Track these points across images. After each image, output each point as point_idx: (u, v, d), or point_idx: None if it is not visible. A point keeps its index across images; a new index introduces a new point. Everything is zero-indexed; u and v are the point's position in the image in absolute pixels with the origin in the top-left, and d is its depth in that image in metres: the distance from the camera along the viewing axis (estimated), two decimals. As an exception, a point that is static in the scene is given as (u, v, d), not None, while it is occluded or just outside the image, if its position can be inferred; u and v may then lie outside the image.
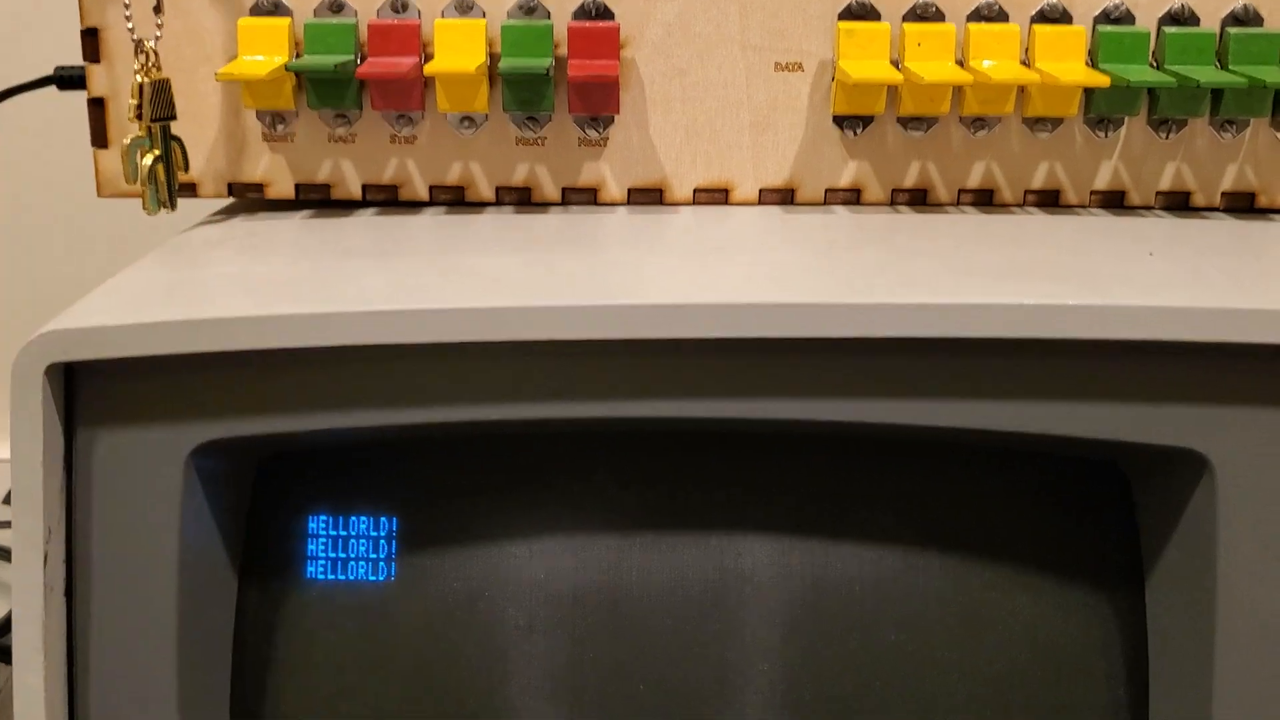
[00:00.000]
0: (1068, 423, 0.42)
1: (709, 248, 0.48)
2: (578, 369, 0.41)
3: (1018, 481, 0.46)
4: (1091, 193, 0.55)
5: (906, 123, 0.53)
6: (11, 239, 0.86)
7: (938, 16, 0.52)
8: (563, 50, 0.52)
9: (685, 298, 0.40)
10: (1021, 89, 0.52)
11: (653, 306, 0.40)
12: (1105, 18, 0.52)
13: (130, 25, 0.52)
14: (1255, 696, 0.42)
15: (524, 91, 0.51)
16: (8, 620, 0.60)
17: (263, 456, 0.45)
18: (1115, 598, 0.46)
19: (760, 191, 0.54)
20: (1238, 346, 0.40)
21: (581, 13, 0.52)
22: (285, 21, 0.52)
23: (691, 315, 0.40)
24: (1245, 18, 0.52)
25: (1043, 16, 0.52)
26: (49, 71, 0.58)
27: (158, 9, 0.52)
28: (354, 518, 0.46)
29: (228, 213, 0.57)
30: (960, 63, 0.52)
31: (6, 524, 0.71)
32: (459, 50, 0.51)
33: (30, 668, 0.41)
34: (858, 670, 0.45)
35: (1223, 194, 0.55)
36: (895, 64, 0.52)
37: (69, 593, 0.42)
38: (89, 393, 0.41)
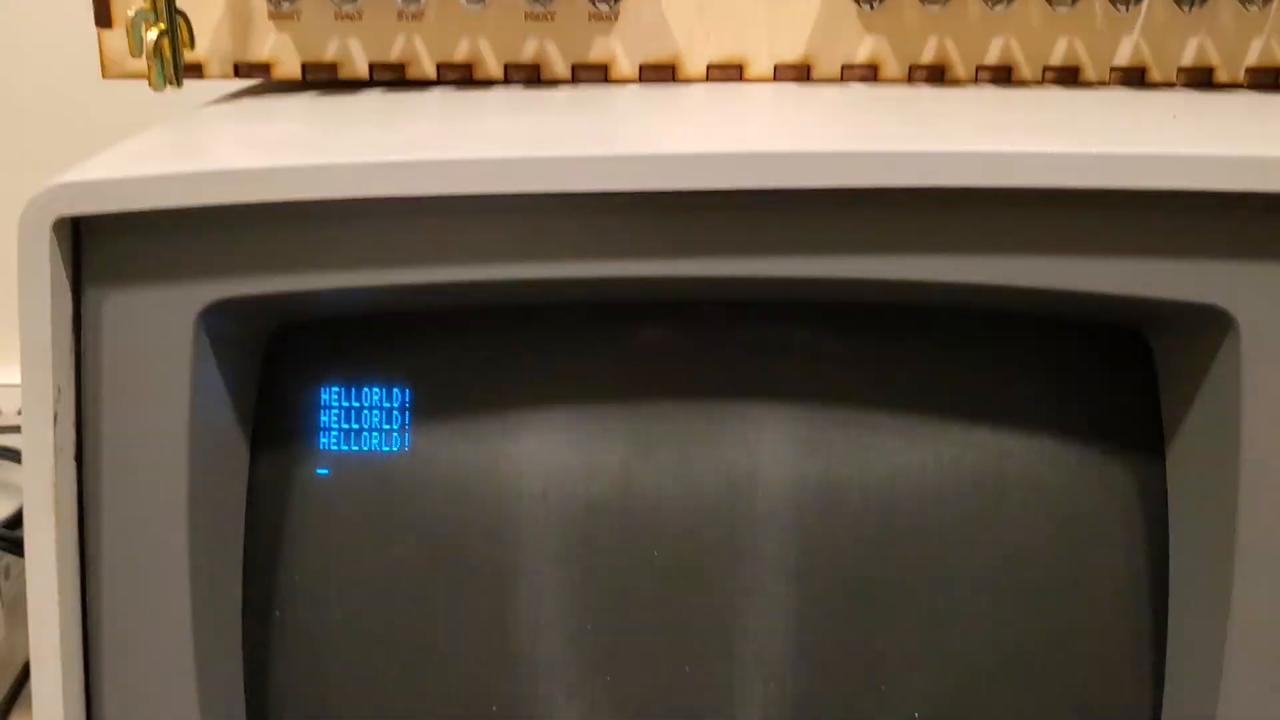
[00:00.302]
0: (1091, 278, 0.41)
1: (722, 114, 0.47)
2: (588, 224, 0.40)
3: (1040, 350, 0.45)
4: (1112, 69, 0.54)
5: (924, -4, 0.52)
6: (13, 126, 0.85)
7: (957, -116, 0.51)
8: (573, -80, 0.51)
9: (698, 148, 0.39)
10: (1042, -41, 0.51)
11: (667, 156, 0.39)
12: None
13: (132, -104, 0.51)
14: (1276, 558, 0.42)
15: (534, -38, 0.50)
16: (18, 516, 0.60)
17: (274, 327, 0.44)
18: (1136, 467, 0.45)
19: (775, 67, 0.53)
20: (1265, 197, 0.40)
21: (592, -118, 0.51)
22: (290, -108, 0.51)
23: (705, 165, 0.39)
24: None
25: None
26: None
27: (160, -120, 0.51)
28: (367, 389, 0.45)
29: (235, 95, 0.56)
30: (980, -68, 0.51)
31: (16, 429, 0.71)
32: (468, -80, 0.50)
33: (41, 527, 0.41)
34: (875, 540, 0.45)
35: (1247, 69, 0.54)
36: (913, -66, 0.51)
37: (79, 457, 0.42)
38: (97, 250, 0.41)
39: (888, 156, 0.39)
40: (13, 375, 0.80)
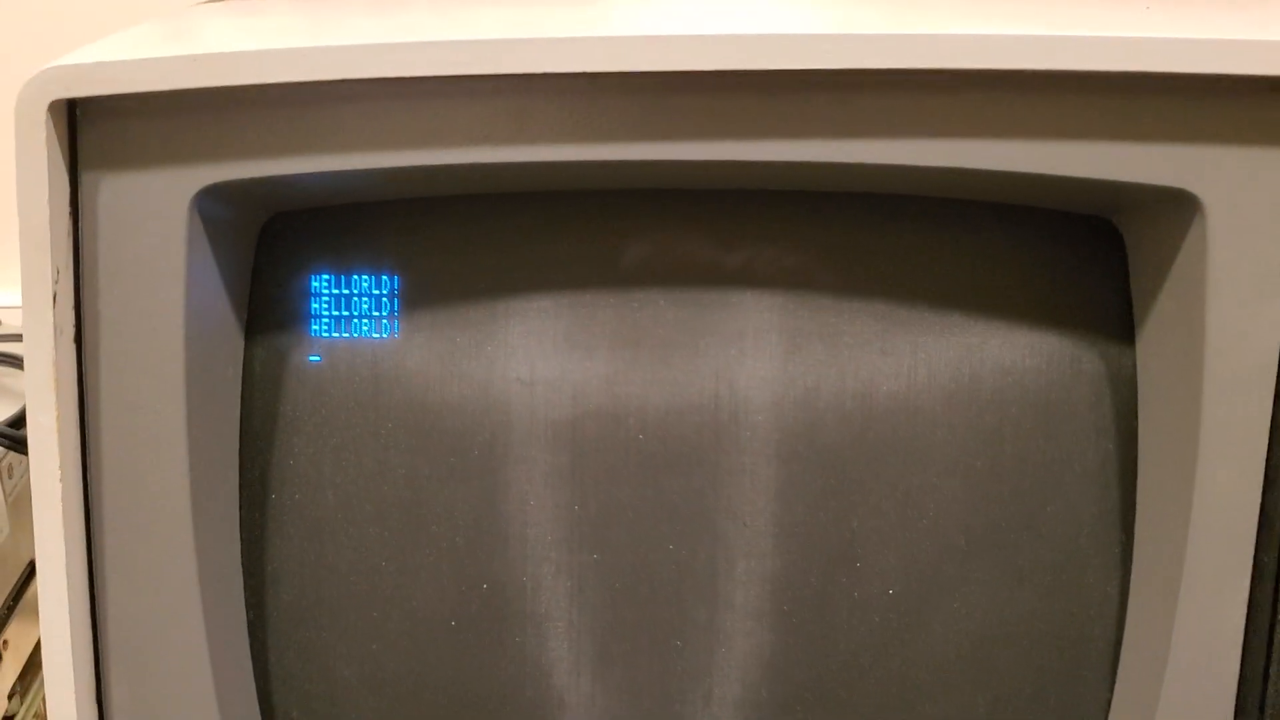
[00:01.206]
0: (1062, 162, 0.42)
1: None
2: (572, 106, 0.41)
3: (1015, 239, 0.46)
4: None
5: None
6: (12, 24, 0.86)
7: None
8: None
9: (677, 30, 0.40)
10: None
11: (649, 38, 0.40)
12: None
13: None
14: (1240, 437, 0.43)
15: None
16: (21, 417, 0.61)
17: (267, 213, 0.46)
18: (1107, 352, 0.46)
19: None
20: (1228, 79, 0.41)
21: None
22: None
23: (683, 46, 0.40)
24: None
25: None
26: None
27: None
28: (356, 276, 0.47)
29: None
30: None
31: (17, 337, 0.72)
32: None
33: (43, 407, 0.42)
34: (853, 425, 0.46)
35: (1224, -29, 0.54)
36: None
37: (78, 340, 0.43)
38: (93, 133, 0.42)
39: (861, 39, 0.40)
40: (14, 297, 0.82)
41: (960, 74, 0.41)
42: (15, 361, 0.67)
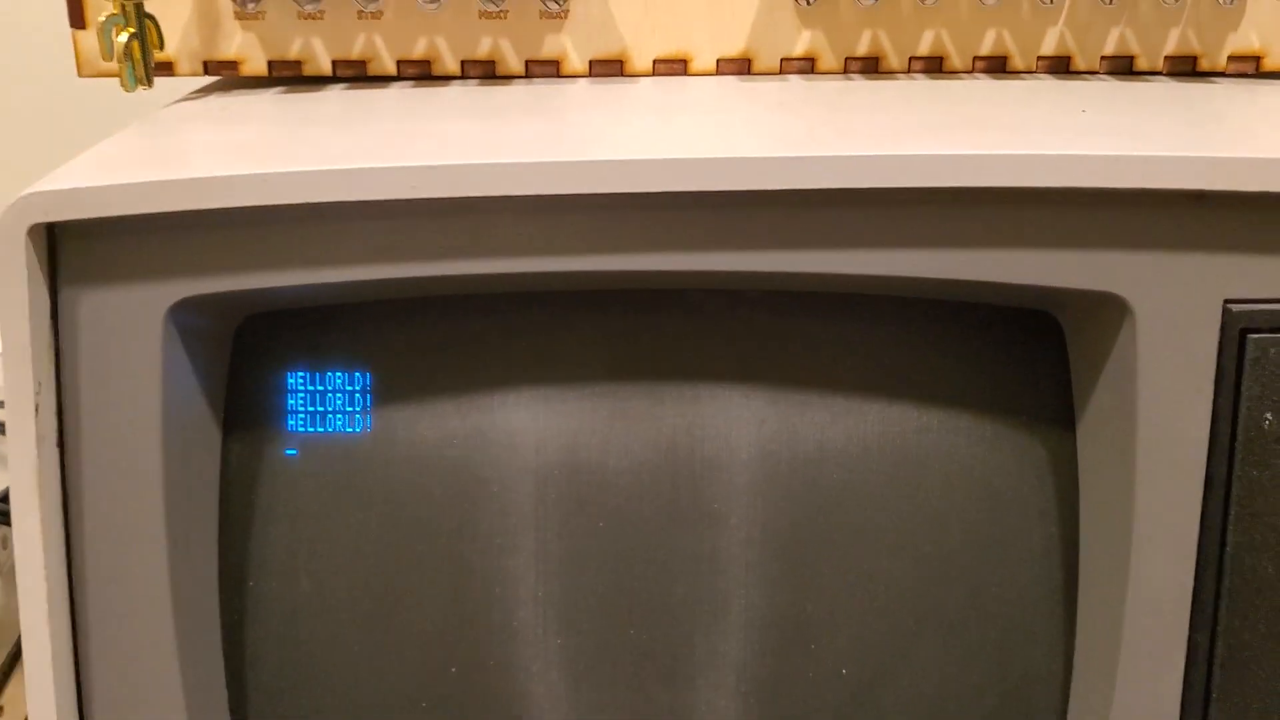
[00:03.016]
0: (1000, 269, 0.44)
1: (662, 111, 0.50)
2: (533, 223, 0.43)
3: (961, 332, 0.48)
4: (1039, 58, 0.56)
5: (858, -9, 0.55)
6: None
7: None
8: (522, -76, 0.54)
9: (631, 154, 0.42)
10: (968, -44, 0.54)
11: (604, 162, 0.42)
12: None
13: (100, -95, 0.53)
14: (1171, 523, 0.45)
15: (484, -35, 0.53)
16: (10, 489, 0.63)
17: (241, 316, 0.47)
18: (1049, 440, 0.48)
19: (718, 62, 0.56)
20: (1153, 193, 0.43)
21: (539, -114, 0.54)
22: (251, -101, 0.54)
23: (637, 170, 0.42)
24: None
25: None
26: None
27: (126, -111, 0.54)
28: (330, 373, 0.49)
29: (204, 91, 0.59)
30: (909, -69, 0.54)
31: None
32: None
33: (27, 512, 0.44)
34: (805, 509, 0.48)
35: (1166, 58, 0.56)
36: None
37: (61, 444, 0.45)
38: (71, 252, 0.44)
39: (807, 161, 0.42)
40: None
41: (901, 191, 0.43)
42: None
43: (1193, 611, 0.46)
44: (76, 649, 0.46)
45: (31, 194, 0.42)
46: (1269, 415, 0.44)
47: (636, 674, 0.49)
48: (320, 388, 0.49)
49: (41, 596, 0.45)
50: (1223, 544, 0.46)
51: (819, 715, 0.49)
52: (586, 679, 0.49)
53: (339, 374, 0.49)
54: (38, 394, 0.44)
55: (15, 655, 0.66)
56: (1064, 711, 0.49)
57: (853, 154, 0.42)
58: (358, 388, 0.49)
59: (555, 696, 0.49)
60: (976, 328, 0.48)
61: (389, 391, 0.49)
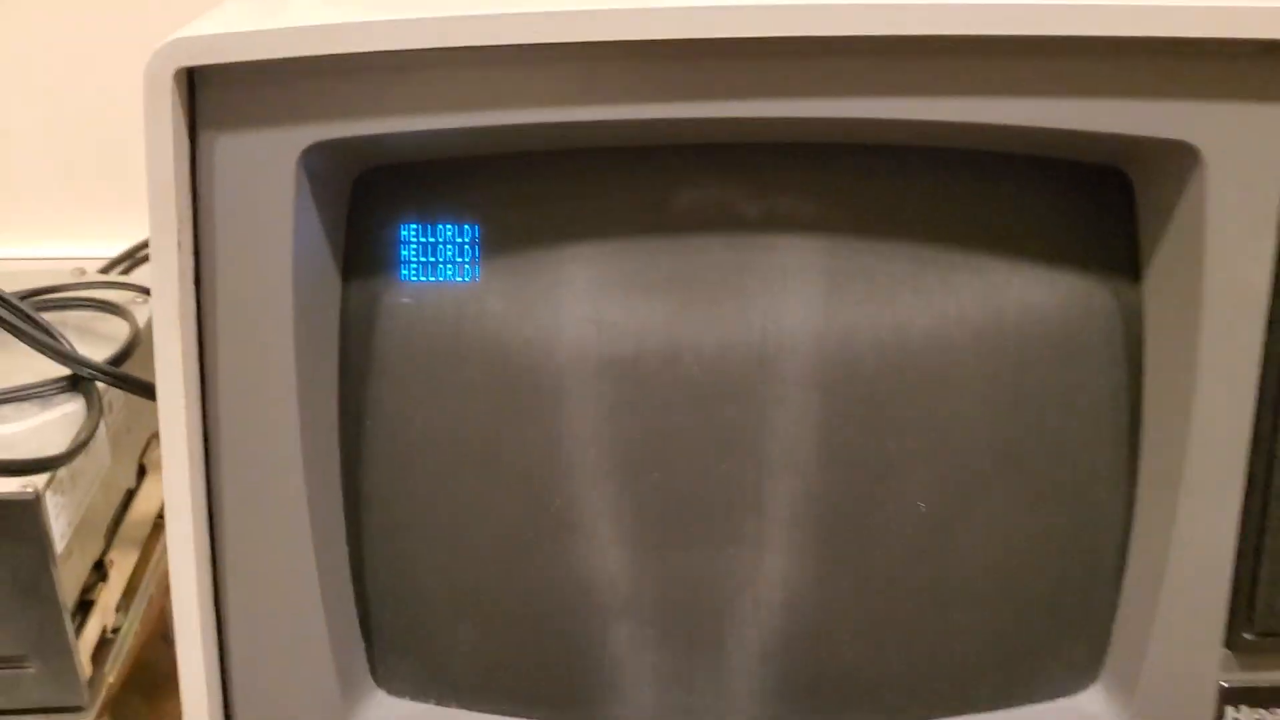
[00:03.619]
0: (1077, 117, 0.47)
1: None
2: (626, 70, 0.46)
3: (1036, 188, 0.51)
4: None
5: None
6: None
7: None
8: None
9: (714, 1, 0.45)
10: None
11: (689, 8, 0.45)
12: None
13: None
14: (1234, 363, 0.48)
15: None
16: (119, 355, 0.67)
17: (360, 167, 0.51)
18: (1119, 293, 0.51)
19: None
20: (1224, 42, 0.45)
21: None
22: None
23: (715, 15, 0.45)
24: None
25: None
26: None
27: None
28: (440, 225, 0.52)
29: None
30: None
31: (106, 284, 0.78)
32: None
33: (169, 339, 0.48)
34: (889, 356, 0.51)
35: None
36: None
37: (197, 280, 0.49)
38: (210, 98, 0.47)
39: (895, 7, 0.45)
40: (96, 249, 0.87)
41: (987, 39, 0.45)
42: (108, 307, 0.72)
43: (1251, 446, 0.49)
44: (209, 475, 0.50)
45: (176, 39, 0.45)
46: (1329, 258, 0.47)
47: (725, 506, 0.52)
48: (431, 239, 0.52)
49: (181, 417, 0.48)
50: (1282, 383, 0.49)
51: (896, 546, 0.52)
52: (678, 511, 0.52)
53: (448, 226, 0.52)
54: (179, 231, 0.47)
55: (117, 519, 0.70)
56: (1125, 546, 0.52)
57: (940, 1, 0.45)
58: (466, 239, 0.52)
59: (650, 527, 0.52)
60: (1050, 185, 0.51)
61: (495, 242, 0.52)
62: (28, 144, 0.95)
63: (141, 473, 0.74)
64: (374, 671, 0.54)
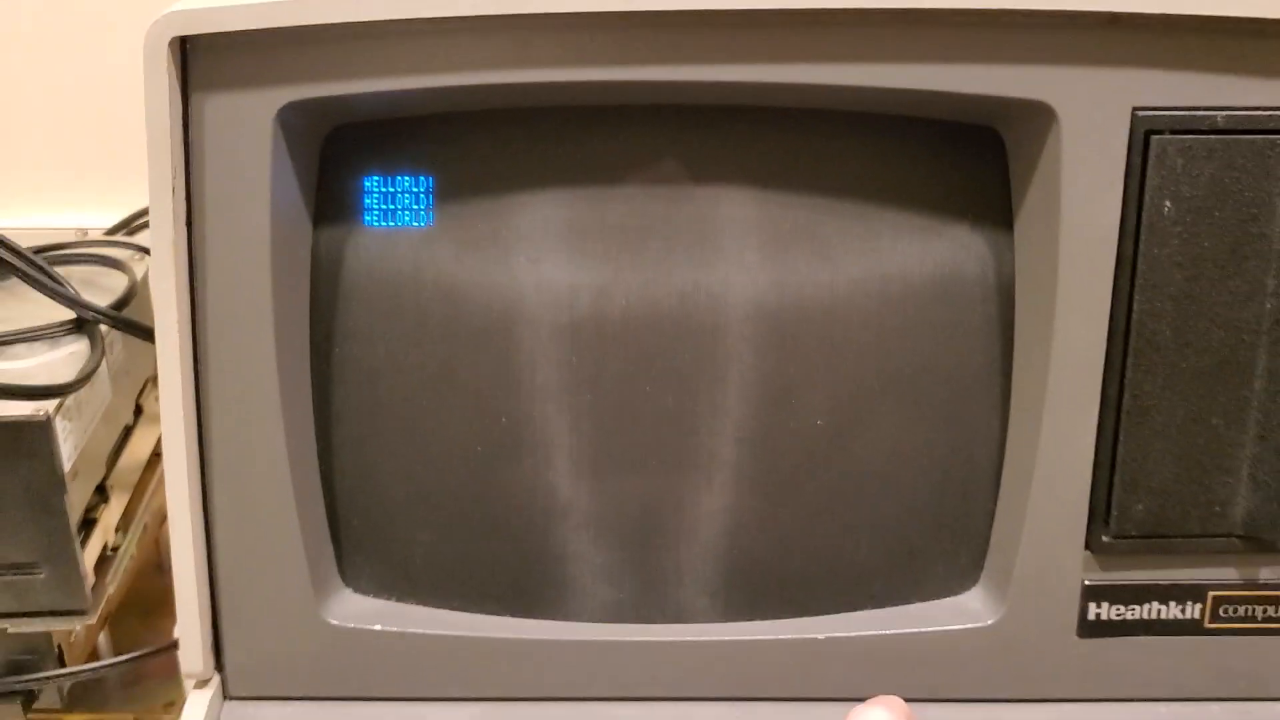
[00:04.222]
0: (946, 80, 0.54)
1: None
2: (567, 38, 0.54)
3: (920, 145, 0.58)
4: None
5: None
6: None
7: None
8: None
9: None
10: None
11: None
12: None
13: None
14: (1088, 296, 0.56)
15: None
16: (119, 302, 0.74)
17: (330, 125, 0.58)
18: (992, 238, 0.59)
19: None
20: (1076, 14, 0.53)
21: None
22: None
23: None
24: None
25: None
26: None
27: None
28: (399, 177, 0.59)
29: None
30: None
31: (110, 242, 0.85)
32: None
33: (164, 274, 0.55)
34: (788, 292, 0.59)
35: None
36: None
37: (189, 224, 0.56)
38: (200, 63, 0.54)
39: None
40: (95, 218, 0.94)
41: (870, 11, 0.53)
42: (111, 262, 0.80)
43: (1105, 369, 0.57)
44: (199, 388, 0.57)
45: (172, 12, 0.53)
46: (1167, 203, 0.55)
47: (654, 424, 0.60)
48: (391, 189, 0.59)
49: (175, 341, 0.56)
50: (1129, 312, 0.56)
51: (799, 456, 0.60)
52: (613, 428, 0.60)
53: (407, 177, 0.59)
54: (174, 179, 0.54)
55: (116, 451, 0.77)
56: (1001, 458, 0.60)
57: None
58: (422, 189, 0.59)
59: (587, 441, 0.60)
60: (933, 144, 0.58)
61: (448, 192, 0.59)
62: (29, 117, 1.02)
63: (138, 414, 0.81)
64: (342, 572, 0.62)
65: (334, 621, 0.60)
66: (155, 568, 0.84)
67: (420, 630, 0.60)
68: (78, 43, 1.00)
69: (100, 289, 0.78)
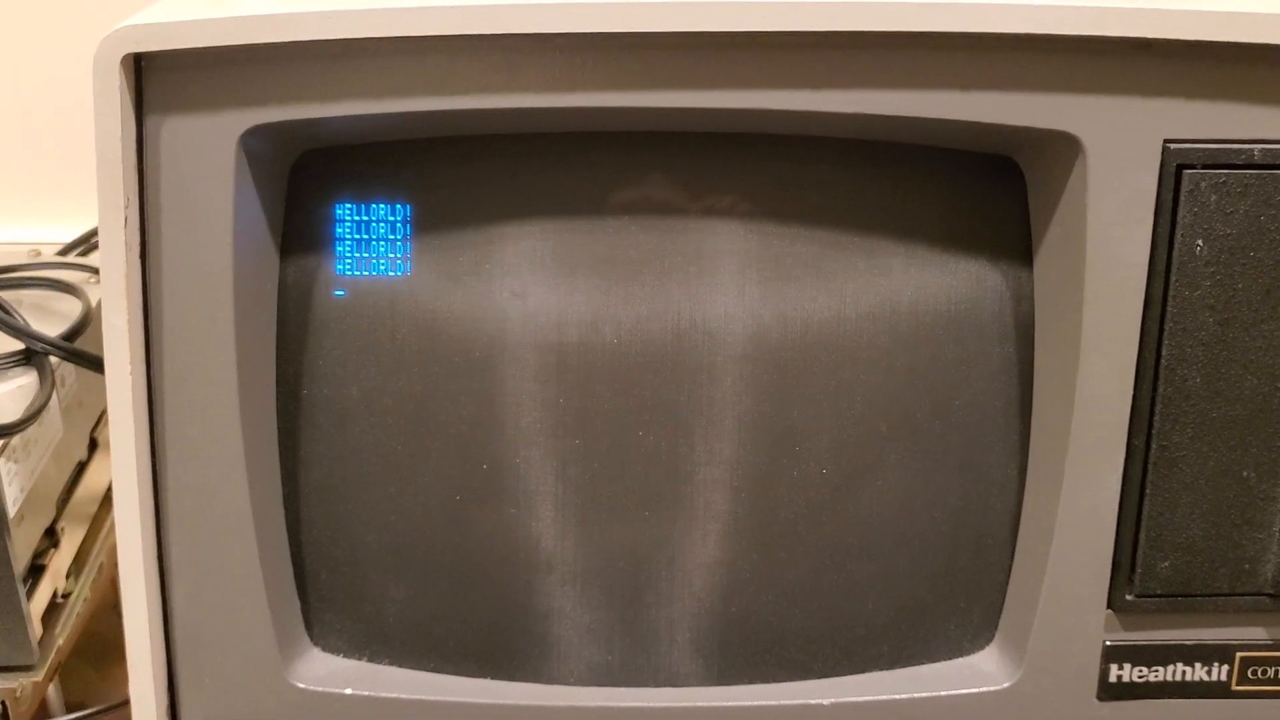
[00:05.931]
0: (966, 109, 0.50)
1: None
2: (556, 61, 0.49)
3: (934, 175, 0.55)
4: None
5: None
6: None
7: None
8: None
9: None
10: None
11: (618, 4, 0.48)
12: None
13: None
14: (1114, 339, 0.52)
15: None
16: (71, 331, 0.69)
17: (299, 150, 0.53)
18: (1010, 273, 0.55)
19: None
20: (1102, 40, 0.49)
21: None
22: None
23: (644, 11, 0.48)
24: None
25: None
26: None
27: None
28: (374, 205, 0.55)
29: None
30: None
31: (64, 265, 0.80)
32: None
33: (115, 310, 0.51)
34: (793, 329, 0.55)
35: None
36: None
37: (143, 256, 0.51)
38: (156, 83, 0.50)
39: (810, 6, 0.48)
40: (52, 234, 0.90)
41: (887, 35, 0.49)
42: (64, 287, 0.75)
43: (1131, 417, 0.53)
44: (154, 437, 0.53)
45: (124, 27, 0.48)
46: (1199, 242, 0.51)
47: (645, 470, 0.56)
48: (365, 218, 0.55)
49: (127, 382, 0.51)
50: (1158, 357, 0.52)
51: (802, 506, 0.56)
52: (601, 474, 0.56)
53: (382, 205, 0.55)
54: (126, 207, 0.50)
55: (71, 484, 0.72)
56: (1019, 509, 0.56)
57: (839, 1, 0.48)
58: (398, 218, 0.55)
59: (573, 489, 0.56)
60: (949, 174, 0.55)
61: (427, 222, 0.55)
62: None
63: (93, 447, 0.76)
64: (309, 630, 0.57)
65: (300, 684, 0.56)
66: (111, 609, 0.79)
67: (394, 694, 0.56)
68: (31, 51, 0.95)
69: (52, 315, 0.73)
